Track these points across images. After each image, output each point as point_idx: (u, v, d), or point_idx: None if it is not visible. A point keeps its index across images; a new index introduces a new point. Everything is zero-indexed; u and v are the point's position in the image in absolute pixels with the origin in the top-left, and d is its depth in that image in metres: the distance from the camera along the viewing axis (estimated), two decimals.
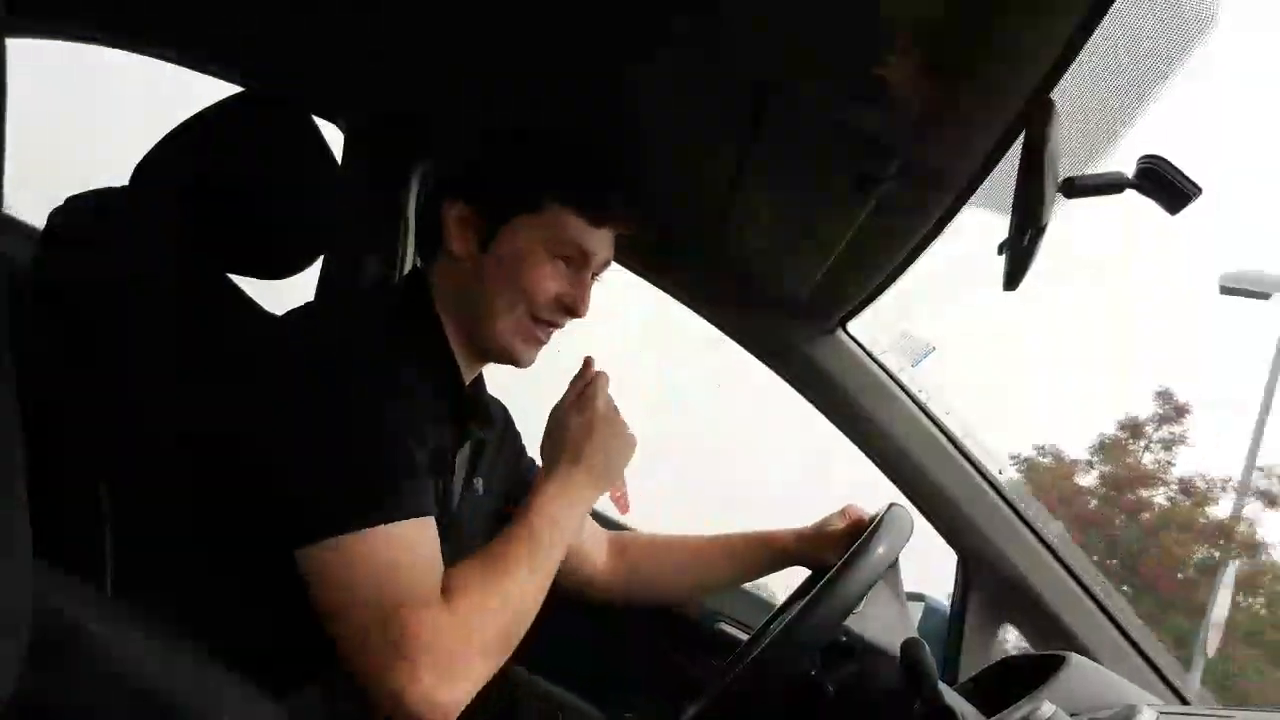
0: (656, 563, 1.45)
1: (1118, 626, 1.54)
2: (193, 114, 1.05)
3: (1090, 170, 0.89)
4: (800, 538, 1.37)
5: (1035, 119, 0.79)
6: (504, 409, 1.32)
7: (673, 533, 1.52)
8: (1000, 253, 0.90)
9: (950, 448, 1.57)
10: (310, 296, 1.40)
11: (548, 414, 1.08)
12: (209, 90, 1.17)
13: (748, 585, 1.83)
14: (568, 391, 1.07)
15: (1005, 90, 0.78)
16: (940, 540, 1.61)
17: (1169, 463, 13.66)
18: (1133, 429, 13.86)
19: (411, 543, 0.87)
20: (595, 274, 1.09)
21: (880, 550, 1.10)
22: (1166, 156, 0.85)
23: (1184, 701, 1.49)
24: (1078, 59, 0.73)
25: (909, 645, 1.03)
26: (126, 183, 1.05)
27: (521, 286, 1.03)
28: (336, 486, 0.86)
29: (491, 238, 1.03)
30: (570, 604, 1.64)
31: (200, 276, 1.07)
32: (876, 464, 1.60)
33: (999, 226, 0.89)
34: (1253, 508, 12.81)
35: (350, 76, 1.35)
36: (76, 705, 0.64)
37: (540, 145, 1.07)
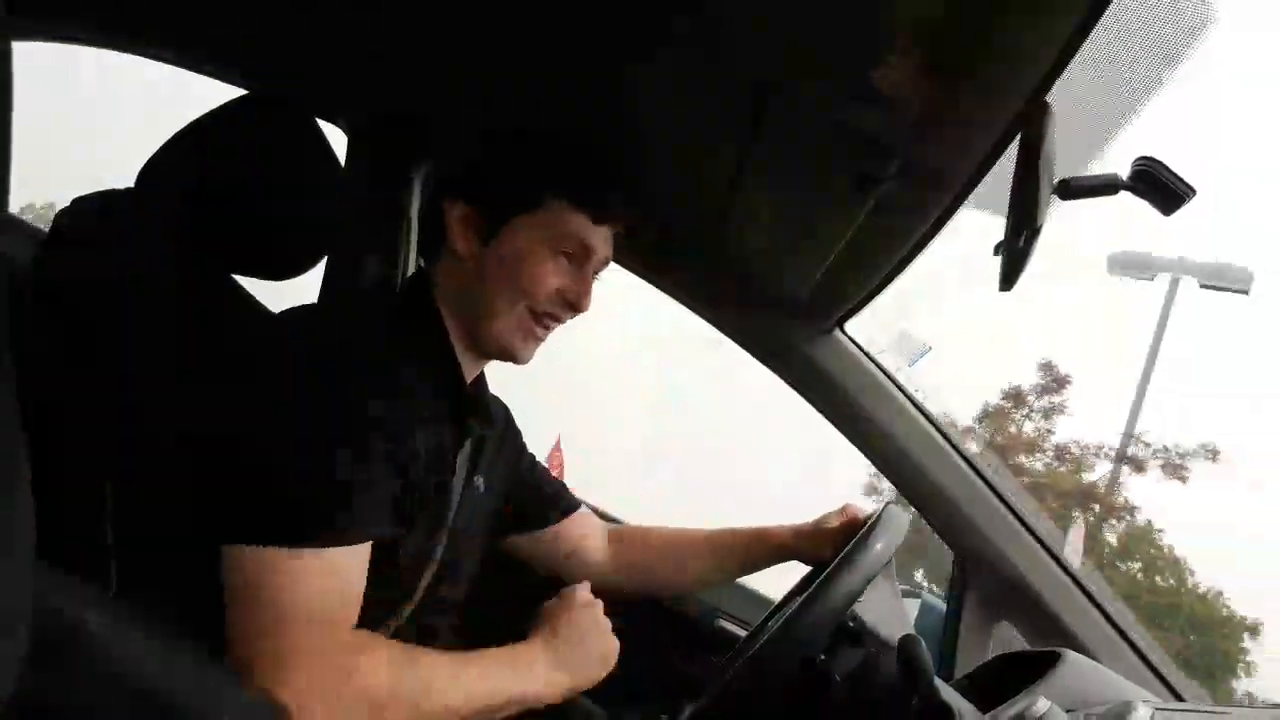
0: (654, 555, 1.47)
1: (1112, 624, 1.55)
2: (196, 117, 1.06)
3: (1085, 171, 0.90)
4: (798, 534, 1.39)
5: (1032, 120, 0.79)
6: (505, 407, 1.33)
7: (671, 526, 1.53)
8: (996, 253, 0.91)
9: (947, 447, 1.58)
10: (314, 296, 1.41)
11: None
12: (210, 93, 1.17)
13: (745, 582, 1.84)
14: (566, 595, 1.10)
15: (1003, 91, 0.79)
16: None
17: (1048, 430, 14.43)
18: (1015, 398, 14.46)
19: (336, 571, 0.86)
20: (595, 272, 1.10)
21: (877, 548, 1.10)
22: (1160, 158, 0.86)
23: (1179, 698, 1.50)
24: (1074, 61, 0.73)
25: (906, 642, 1.03)
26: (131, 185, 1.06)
27: (523, 283, 1.04)
28: (280, 499, 0.85)
29: (493, 236, 1.04)
30: None
31: (202, 277, 1.08)
32: (874, 463, 1.61)
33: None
34: (1127, 474, 13.75)
35: (350, 77, 1.35)
36: (76, 705, 0.64)
37: (540, 143, 1.08)
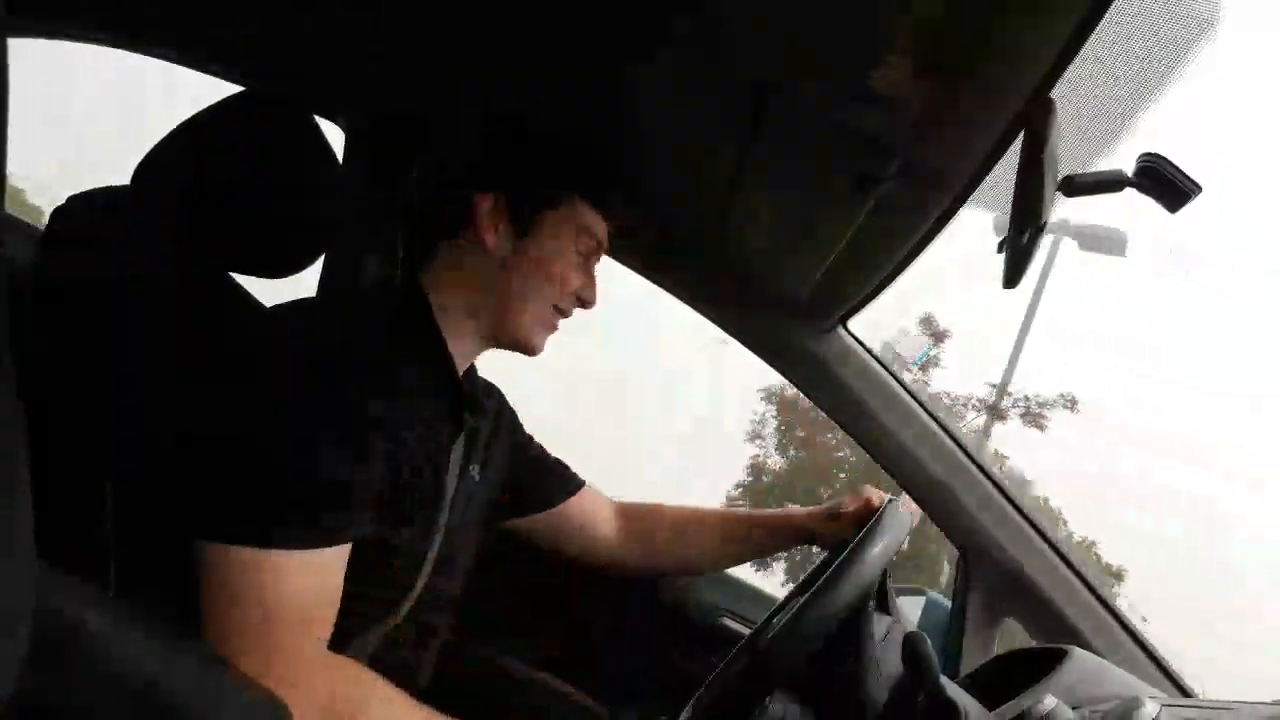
0: (666, 534, 1.46)
1: (1118, 619, 1.54)
2: (192, 114, 1.05)
3: (1089, 168, 0.90)
4: (813, 517, 1.39)
5: (1036, 118, 0.79)
6: (498, 392, 1.32)
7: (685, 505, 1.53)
8: (1000, 251, 0.91)
9: (950, 443, 1.57)
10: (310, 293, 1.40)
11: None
12: (205, 91, 1.17)
13: (748, 580, 1.84)
14: None
15: (1004, 90, 0.78)
16: None
17: (924, 382, 14.64)
18: (892, 350, 14.92)
19: (317, 570, 0.86)
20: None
21: (878, 548, 1.10)
22: (1166, 155, 0.86)
23: (1185, 694, 1.49)
24: (1078, 58, 0.73)
25: (911, 639, 1.03)
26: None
27: (555, 280, 1.07)
28: (266, 499, 0.85)
29: (526, 233, 1.05)
30: (571, 600, 1.65)
31: (201, 275, 1.07)
32: (878, 460, 1.61)
33: None
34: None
35: (350, 76, 1.35)
36: (77, 705, 0.64)
37: (568, 141, 1.09)
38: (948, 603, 1.75)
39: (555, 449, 1.44)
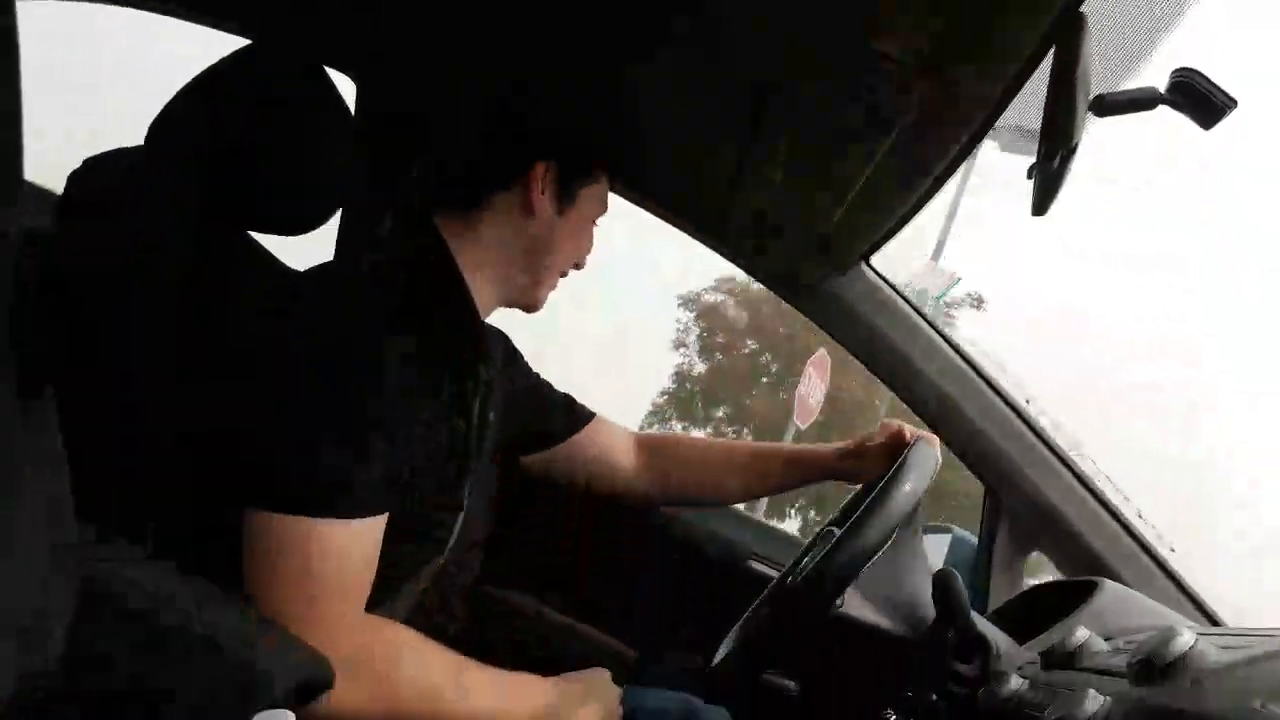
0: (690, 466, 1.47)
1: (1146, 550, 1.54)
2: (203, 69, 1.03)
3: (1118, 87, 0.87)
4: (842, 454, 1.39)
5: (1065, 35, 0.76)
6: (503, 335, 1.32)
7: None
8: (1029, 177, 0.88)
9: (976, 378, 1.56)
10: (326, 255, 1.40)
11: None
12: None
13: (776, 523, 1.84)
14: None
15: (1034, 6, 0.75)
16: None
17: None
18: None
19: (358, 540, 0.88)
20: None
21: (908, 487, 1.10)
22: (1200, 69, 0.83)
23: (1215, 623, 1.49)
24: None
25: (941, 576, 1.03)
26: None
27: (580, 250, 1.14)
28: (311, 468, 0.86)
29: (569, 203, 1.09)
30: (600, 546, 1.67)
31: (218, 236, 1.06)
32: (902, 398, 1.60)
33: None
34: None
35: (361, 27, 1.33)
36: (127, 660, 0.66)
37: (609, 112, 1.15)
38: (973, 539, 1.76)
39: None
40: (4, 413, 0.42)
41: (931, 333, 1.56)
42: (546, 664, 1.07)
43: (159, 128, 1.02)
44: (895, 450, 1.26)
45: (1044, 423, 1.56)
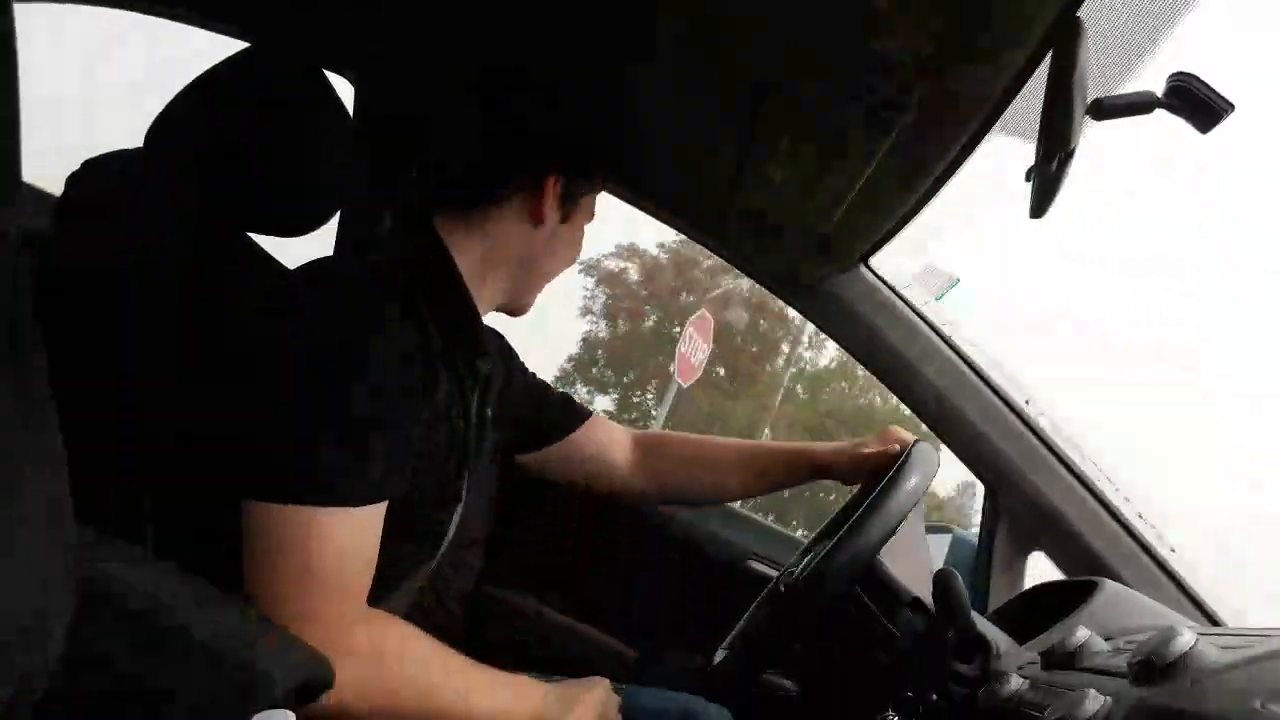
0: (685, 464, 1.47)
1: (1146, 550, 1.54)
2: (202, 72, 1.04)
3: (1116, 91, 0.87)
4: (837, 453, 1.39)
5: (1063, 39, 0.76)
6: (498, 334, 1.32)
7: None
8: (1027, 179, 0.88)
9: (974, 379, 1.56)
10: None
11: None
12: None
13: (774, 524, 1.85)
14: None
15: (1032, 9, 0.75)
16: None
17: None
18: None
19: (358, 530, 0.88)
20: None
21: (909, 485, 1.10)
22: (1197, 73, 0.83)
23: (1215, 623, 1.49)
24: None
25: (942, 576, 1.03)
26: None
27: (572, 259, 1.15)
28: (310, 458, 0.86)
29: (573, 210, 1.10)
30: (600, 546, 1.67)
31: (217, 237, 1.07)
32: (901, 398, 1.60)
33: None
34: None
35: (357, 28, 1.33)
36: (125, 661, 0.66)
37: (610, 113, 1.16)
38: (974, 539, 1.76)
39: None
40: (4, 413, 0.42)
41: (931, 333, 1.56)
42: (546, 664, 1.07)
43: (158, 130, 1.02)
44: (890, 456, 1.26)
45: (1043, 423, 1.56)
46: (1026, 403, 1.56)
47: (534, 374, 1.40)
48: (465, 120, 1.09)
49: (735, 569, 1.74)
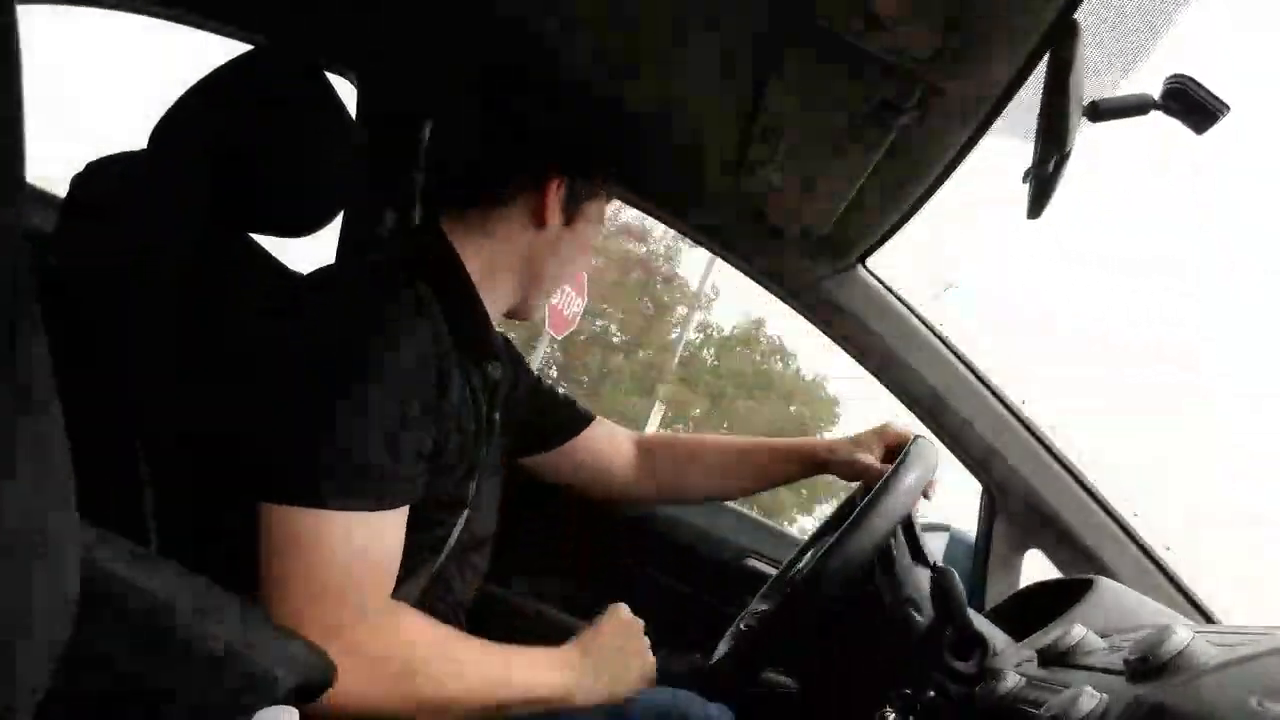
0: (684, 465, 1.48)
1: (1142, 548, 1.54)
2: (206, 74, 1.04)
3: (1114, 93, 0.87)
4: (834, 449, 1.40)
5: (1060, 41, 0.76)
6: (503, 338, 1.32)
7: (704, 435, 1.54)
8: (1024, 180, 0.89)
9: (972, 378, 1.56)
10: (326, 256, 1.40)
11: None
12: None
13: (775, 522, 1.85)
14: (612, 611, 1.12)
15: (1028, 11, 0.75)
16: None
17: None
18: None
19: (377, 533, 0.88)
20: None
21: (908, 482, 1.10)
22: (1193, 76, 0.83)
23: (1210, 621, 1.50)
24: None
25: (939, 574, 1.03)
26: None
27: (580, 265, 1.15)
28: (327, 461, 0.85)
29: (575, 217, 1.10)
30: (601, 544, 1.67)
31: (218, 238, 1.07)
32: (899, 398, 1.60)
33: None
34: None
35: (359, 28, 1.33)
36: (125, 658, 0.66)
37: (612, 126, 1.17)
38: (971, 538, 1.76)
39: None
40: (4, 413, 0.42)
41: (928, 334, 1.56)
42: None
43: (162, 131, 1.02)
44: (890, 446, 1.27)
45: (1040, 423, 1.57)
46: (1023, 402, 1.56)
47: (539, 377, 1.40)
48: (465, 120, 1.09)
49: (734, 568, 1.74)
